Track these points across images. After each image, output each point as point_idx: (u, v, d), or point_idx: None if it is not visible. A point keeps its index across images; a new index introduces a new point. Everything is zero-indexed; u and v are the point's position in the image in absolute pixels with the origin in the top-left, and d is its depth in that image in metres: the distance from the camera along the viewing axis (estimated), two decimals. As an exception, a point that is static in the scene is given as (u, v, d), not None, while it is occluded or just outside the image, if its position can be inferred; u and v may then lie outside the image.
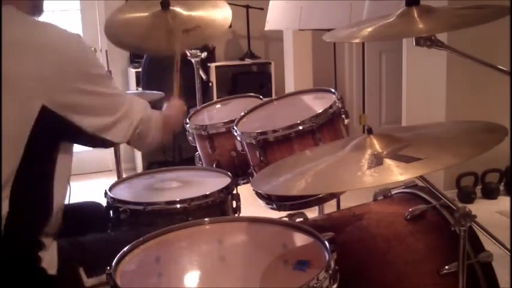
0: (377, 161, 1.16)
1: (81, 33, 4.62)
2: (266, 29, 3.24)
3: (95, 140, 1.40)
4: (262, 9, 4.29)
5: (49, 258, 1.34)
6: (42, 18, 1.44)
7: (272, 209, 1.80)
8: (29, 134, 1.26)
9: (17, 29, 1.29)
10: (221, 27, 2.22)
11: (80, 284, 1.37)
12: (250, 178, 1.95)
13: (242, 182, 2.06)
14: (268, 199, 1.78)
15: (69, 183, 1.44)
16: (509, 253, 1.47)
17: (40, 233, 1.34)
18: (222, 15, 2.25)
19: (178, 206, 1.69)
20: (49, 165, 1.34)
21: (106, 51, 2.58)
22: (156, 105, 4.31)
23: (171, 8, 2.19)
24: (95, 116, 1.37)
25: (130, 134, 1.49)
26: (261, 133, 1.76)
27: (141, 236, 1.31)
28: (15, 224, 1.28)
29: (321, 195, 1.76)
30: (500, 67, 1.47)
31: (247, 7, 4.69)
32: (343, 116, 1.82)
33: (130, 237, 1.30)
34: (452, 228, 1.29)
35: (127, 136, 1.49)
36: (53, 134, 1.32)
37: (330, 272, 1.10)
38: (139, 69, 4.24)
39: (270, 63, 4.69)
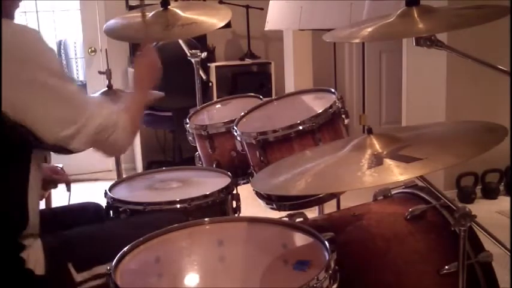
0: (377, 161, 1.16)
1: (81, 33, 4.65)
2: (266, 29, 3.23)
3: (56, 149, 1.34)
4: (262, 9, 4.29)
5: (35, 259, 1.33)
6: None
7: (272, 209, 1.80)
8: None
9: None
10: (218, 24, 2.23)
11: (70, 280, 1.36)
12: (250, 178, 1.95)
13: (242, 182, 2.06)
14: (268, 199, 1.78)
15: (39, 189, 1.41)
16: (509, 253, 1.47)
17: (18, 239, 1.33)
18: (219, 15, 2.26)
19: (178, 206, 1.69)
20: (22, 175, 1.32)
21: (106, 50, 2.57)
22: (155, 105, 4.27)
23: (170, 8, 2.21)
24: (54, 125, 1.30)
25: (91, 141, 1.38)
26: (261, 133, 1.76)
27: (128, 227, 1.30)
28: None
29: (321, 195, 1.76)
30: (500, 67, 1.47)
31: (247, 7, 4.69)
32: (343, 116, 1.82)
33: (117, 229, 1.29)
34: (452, 228, 1.30)
35: (87, 144, 1.38)
36: (11, 144, 1.28)
37: (330, 272, 1.10)
38: (139, 69, 4.23)
39: (270, 63, 4.69)
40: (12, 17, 1.38)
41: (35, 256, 1.33)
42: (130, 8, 4.55)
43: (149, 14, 2.23)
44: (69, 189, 1.83)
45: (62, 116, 1.31)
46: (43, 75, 1.27)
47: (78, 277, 1.36)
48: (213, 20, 2.24)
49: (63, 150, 1.34)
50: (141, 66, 1.70)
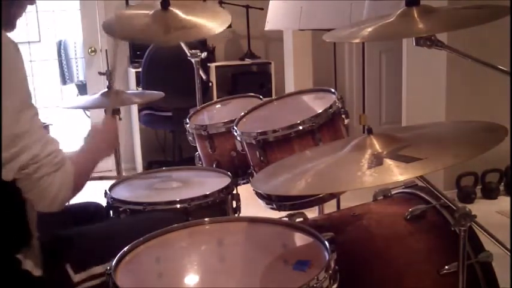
0: (377, 161, 1.16)
1: (81, 33, 4.65)
2: (266, 29, 3.24)
3: None
4: (262, 9, 4.29)
5: (32, 260, 1.32)
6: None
7: (272, 209, 1.80)
8: None
9: None
10: (217, 29, 2.23)
11: (68, 281, 1.35)
12: (250, 178, 1.95)
13: (242, 182, 2.06)
14: (268, 199, 1.78)
15: None
16: (509, 253, 1.47)
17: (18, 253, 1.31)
18: (220, 20, 2.26)
19: (178, 206, 1.69)
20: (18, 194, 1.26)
21: (106, 51, 2.58)
22: (154, 105, 4.29)
23: (171, 8, 2.21)
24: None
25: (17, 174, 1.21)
26: (261, 133, 1.76)
27: (125, 226, 1.29)
28: None
29: (321, 195, 1.76)
30: (500, 67, 1.47)
31: (247, 7, 4.69)
32: (343, 116, 1.82)
33: (113, 229, 1.28)
34: (452, 228, 1.29)
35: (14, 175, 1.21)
36: None
37: (330, 272, 1.10)
38: (139, 69, 4.23)
39: (270, 63, 4.69)
40: (14, 26, 1.34)
41: (32, 257, 1.33)
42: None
43: (150, 13, 2.23)
44: None
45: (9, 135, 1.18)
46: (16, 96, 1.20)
47: (76, 277, 1.36)
48: (213, 24, 2.24)
49: None
50: (99, 135, 1.61)
